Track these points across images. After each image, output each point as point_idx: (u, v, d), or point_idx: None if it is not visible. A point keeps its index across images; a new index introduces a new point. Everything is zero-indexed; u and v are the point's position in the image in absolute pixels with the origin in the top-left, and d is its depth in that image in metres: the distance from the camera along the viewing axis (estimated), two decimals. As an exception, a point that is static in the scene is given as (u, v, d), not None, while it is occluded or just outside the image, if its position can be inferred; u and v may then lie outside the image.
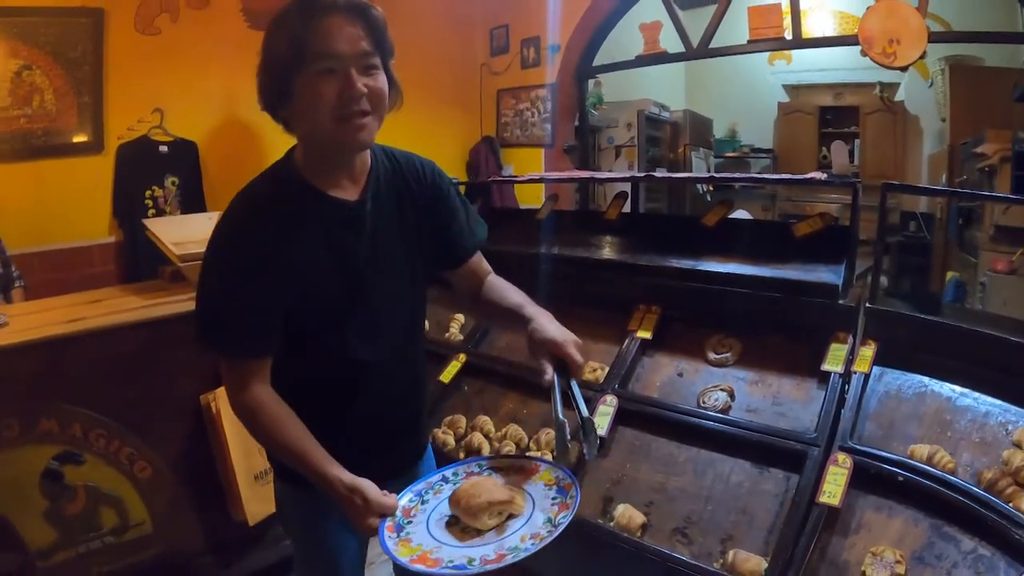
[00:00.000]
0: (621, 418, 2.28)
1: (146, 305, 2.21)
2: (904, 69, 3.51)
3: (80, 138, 3.10)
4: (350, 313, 1.28)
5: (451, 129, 4.96)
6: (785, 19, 3.68)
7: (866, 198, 2.47)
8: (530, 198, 4.65)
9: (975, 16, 4.61)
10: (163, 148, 3.27)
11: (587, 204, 4.99)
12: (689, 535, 1.95)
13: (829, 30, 6.02)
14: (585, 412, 1.17)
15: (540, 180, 4.04)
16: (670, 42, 4.21)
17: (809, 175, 2.65)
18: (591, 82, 5.23)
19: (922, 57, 3.41)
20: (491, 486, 1.17)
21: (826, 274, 2.29)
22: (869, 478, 1.87)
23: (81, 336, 2.00)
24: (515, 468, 1.29)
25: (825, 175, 2.83)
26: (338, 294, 1.26)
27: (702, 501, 2.00)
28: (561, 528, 1.09)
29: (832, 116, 7.11)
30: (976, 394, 2.00)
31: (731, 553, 1.84)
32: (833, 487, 1.85)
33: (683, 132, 7.05)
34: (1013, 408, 1.93)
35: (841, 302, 2.22)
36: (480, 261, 1.50)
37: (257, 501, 2.22)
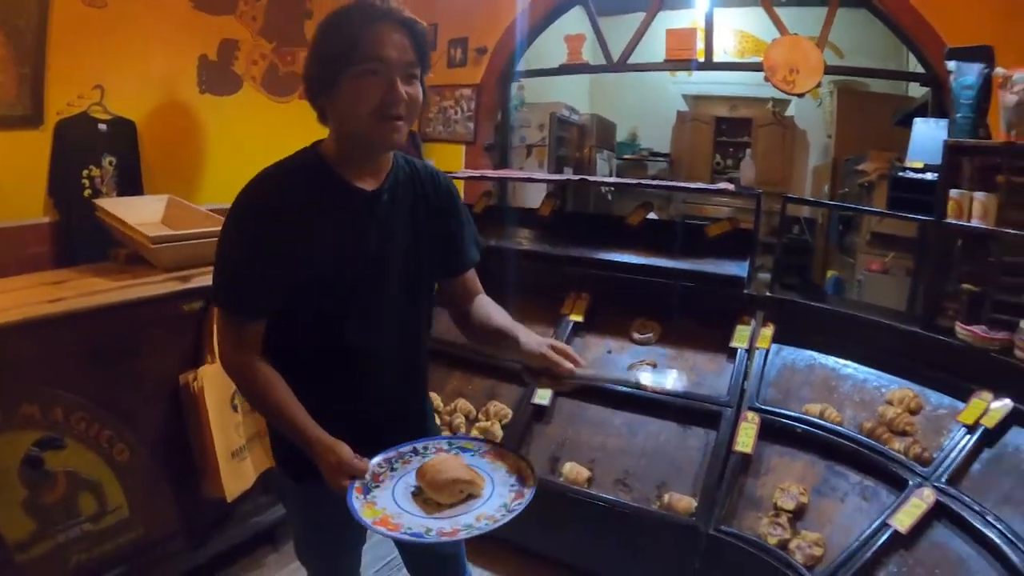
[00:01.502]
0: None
1: (121, 286, 2.23)
2: (801, 95, 4.12)
3: (18, 111, 3.00)
4: (352, 295, 1.37)
5: None
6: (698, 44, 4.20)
7: (752, 202, 3.05)
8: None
9: (867, 44, 5.26)
10: (102, 126, 3.21)
11: (505, 200, 5.28)
12: (629, 484, 2.39)
13: (730, 46, 6.71)
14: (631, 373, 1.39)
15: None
16: (590, 52, 4.66)
17: (721, 186, 3.23)
18: (514, 85, 5.50)
19: (817, 86, 4.04)
20: (457, 465, 1.28)
21: (733, 268, 2.85)
22: (774, 431, 2.42)
23: (64, 317, 2.01)
24: (482, 451, 1.40)
25: (733, 185, 3.39)
26: (344, 275, 1.36)
27: (637, 456, 2.45)
28: (514, 515, 1.21)
29: (727, 126, 7.84)
30: (856, 365, 2.62)
31: (666, 496, 2.30)
32: (745, 439, 2.36)
33: (589, 134, 7.54)
34: (885, 375, 2.55)
35: (746, 291, 2.80)
36: (474, 278, 1.60)
37: (235, 478, 2.32)
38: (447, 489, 1.23)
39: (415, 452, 1.38)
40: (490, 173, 4.47)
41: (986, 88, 2.49)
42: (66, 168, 3.15)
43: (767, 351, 2.70)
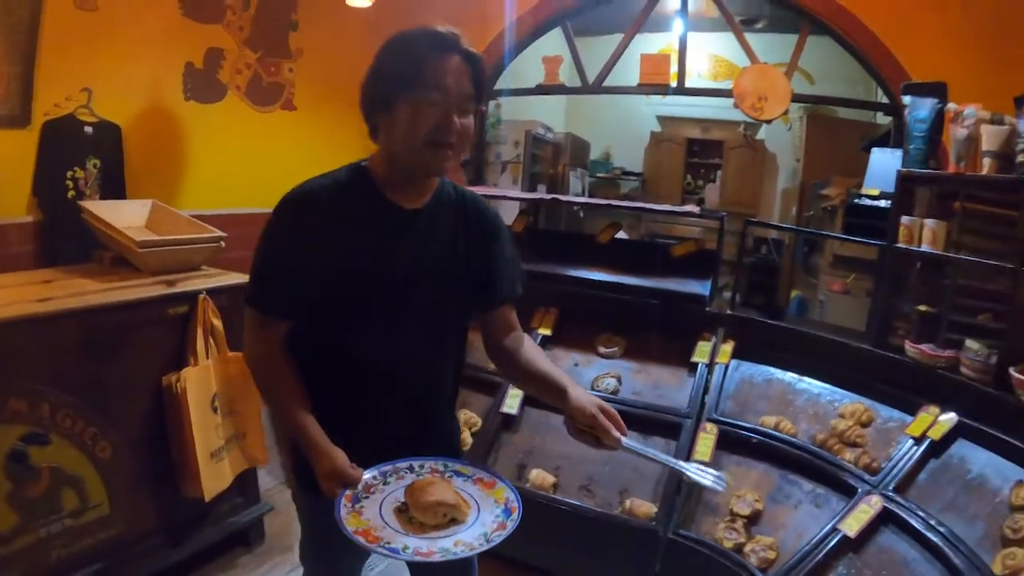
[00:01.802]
0: (528, 401, 2.90)
1: (108, 288, 2.29)
2: (769, 122, 4.33)
3: (7, 110, 3.02)
4: (378, 310, 1.39)
5: (349, 131, 4.84)
6: (672, 66, 4.39)
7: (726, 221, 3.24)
8: None
9: (837, 70, 5.39)
10: (88, 129, 3.24)
11: None
12: (592, 490, 2.52)
13: (704, 69, 6.93)
14: (679, 463, 1.32)
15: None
16: (566, 73, 4.82)
17: (687, 208, 3.44)
18: (492, 103, 5.66)
19: (785, 113, 4.24)
20: (445, 488, 1.29)
21: (697, 287, 3.05)
22: (731, 441, 2.59)
23: (54, 316, 2.06)
24: (475, 477, 1.40)
25: (699, 208, 3.60)
26: (372, 289, 1.37)
27: (600, 464, 2.58)
28: (492, 544, 1.21)
29: (698, 148, 8.07)
30: (811, 380, 2.80)
31: (628, 501, 2.44)
32: (704, 448, 2.52)
33: (564, 152, 7.69)
34: (839, 390, 2.73)
35: (708, 309, 3.00)
36: (512, 313, 1.59)
37: (213, 478, 2.37)
38: (431, 511, 1.24)
39: (410, 469, 1.40)
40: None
41: (938, 122, 2.68)
42: (51, 169, 3.17)
43: (727, 366, 2.89)
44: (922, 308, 2.70)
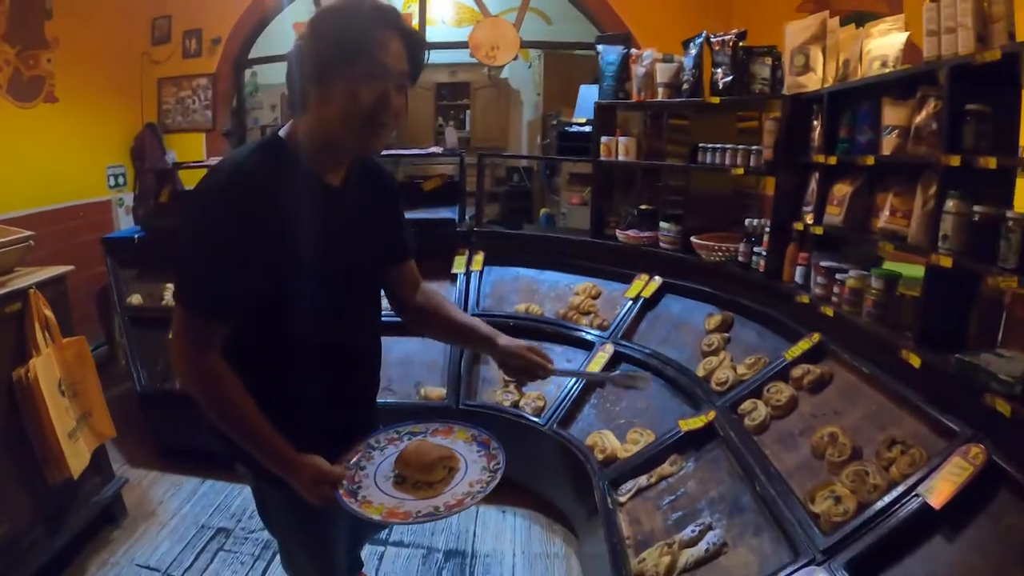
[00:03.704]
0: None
1: None
2: (501, 68, 5.11)
3: None
4: (324, 290, 1.38)
5: (113, 116, 5.14)
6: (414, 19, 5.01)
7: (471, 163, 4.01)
8: (192, 179, 5.24)
9: (572, 11, 5.88)
10: None
11: None
12: (393, 389, 3.14)
13: (448, 15, 7.48)
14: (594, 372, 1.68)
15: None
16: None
17: (431, 149, 4.16)
18: (248, 72, 5.89)
19: (515, 58, 5.04)
20: (432, 446, 1.40)
21: (447, 213, 3.83)
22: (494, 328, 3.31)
23: None
24: (432, 431, 1.51)
25: (442, 149, 4.36)
26: (316, 271, 1.34)
27: (395, 367, 3.19)
28: (500, 471, 1.35)
29: (447, 91, 8.72)
30: (550, 272, 3.63)
31: (423, 389, 3.09)
32: None
33: (318, 111, 8.00)
34: (572, 276, 3.57)
35: (458, 229, 3.78)
36: (415, 267, 1.68)
37: (75, 457, 2.49)
38: (436, 468, 1.34)
39: (371, 447, 1.46)
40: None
41: (625, 63, 3.52)
42: None
43: (481, 272, 3.68)
44: (644, 206, 3.60)
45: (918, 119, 1.99)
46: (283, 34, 5.38)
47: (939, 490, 1.58)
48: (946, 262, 1.79)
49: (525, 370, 1.54)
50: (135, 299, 3.81)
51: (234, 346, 1.32)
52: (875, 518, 1.69)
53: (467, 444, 1.47)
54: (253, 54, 5.57)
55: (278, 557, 2.22)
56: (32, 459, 2.42)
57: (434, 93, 8.66)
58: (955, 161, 1.76)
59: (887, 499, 1.71)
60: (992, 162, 1.64)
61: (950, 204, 1.78)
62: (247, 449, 1.34)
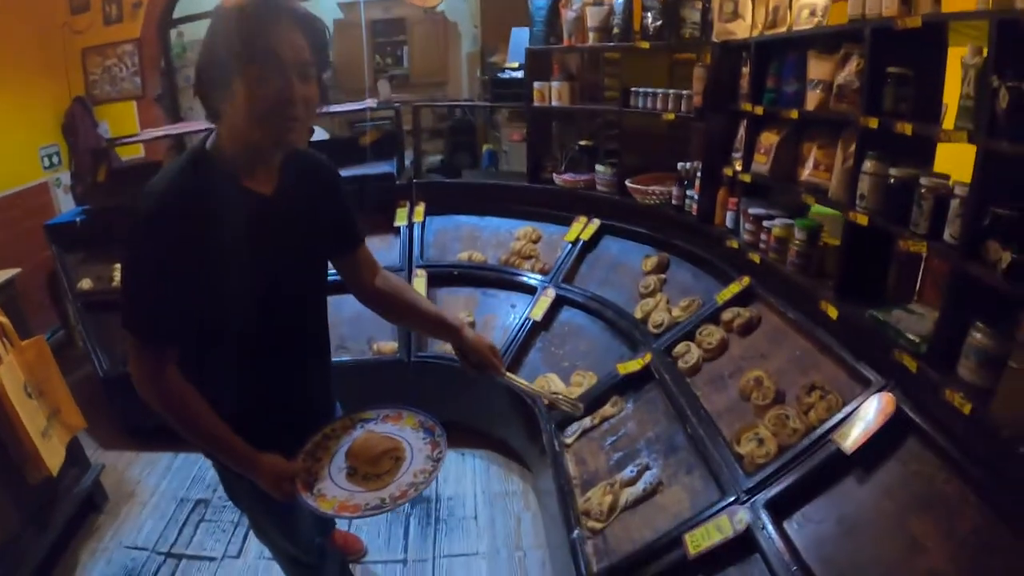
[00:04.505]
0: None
1: None
2: (435, 7, 4.87)
3: None
4: (265, 297, 1.37)
5: (39, 93, 4.82)
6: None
7: (419, 93, 3.90)
8: (128, 151, 5.07)
9: None
10: None
11: (183, 150, 5.40)
12: (347, 347, 3.13)
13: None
14: (537, 390, 1.65)
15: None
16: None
17: (365, 104, 4.01)
18: (174, 32, 5.53)
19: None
20: (379, 439, 1.43)
21: (385, 167, 3.71)
22: (439, 278, 3.34)
23: None
24: (382, 417, 1.55)
25: (376, 102, 4.15)
26: (252, 281, 1.34)
27: (347, 325, 3.16)
28: (440, 462, 1.39)
29: (383, 27, 8.30)
30: (490, 218, 3.60)
31: (375, 345, 3.08)
32: (419, 287, 3.20)
33: (248, 60, 7.63)
34: (512, 221, 3.54)
35: (398, 182, 3.68)
36: (369, 252, 1.66)
37: (52, 454, 2.47)
38: (381, 461, 1.39)
39: (326, 437, 1.50)
40: (159, 131, 4.46)
41: (555, 8, 3.40)
42: None
43: (423, 223, 3.62)
44: (583, 142, 3.57)
45: (841, 77, 1.98)
46: (208, -12, 5.04)
47: (852, 436, 1.66)
48: (863, 220, 1.83)
49: (481, 366, 1.57)
50: (85, 283, 3.64)
51: (187, 356, 1.34)
52: (793, 461, 1.78)
53: (415, 431, 1.51)
54: (177, 13, 5.24)
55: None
56: (10, 463, 2.38)
57: (370, 31, 8.28)
58: (873, 123, 1.77)
59: (805, 443, 1.80)
60: (908, 128, 1.66)
61: (868, 165, 1.81)
62: (211, 453, 1.42)
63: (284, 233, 1.39)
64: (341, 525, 2.64)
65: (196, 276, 1.25)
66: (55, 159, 4.89)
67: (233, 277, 1.29)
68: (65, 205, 4.80)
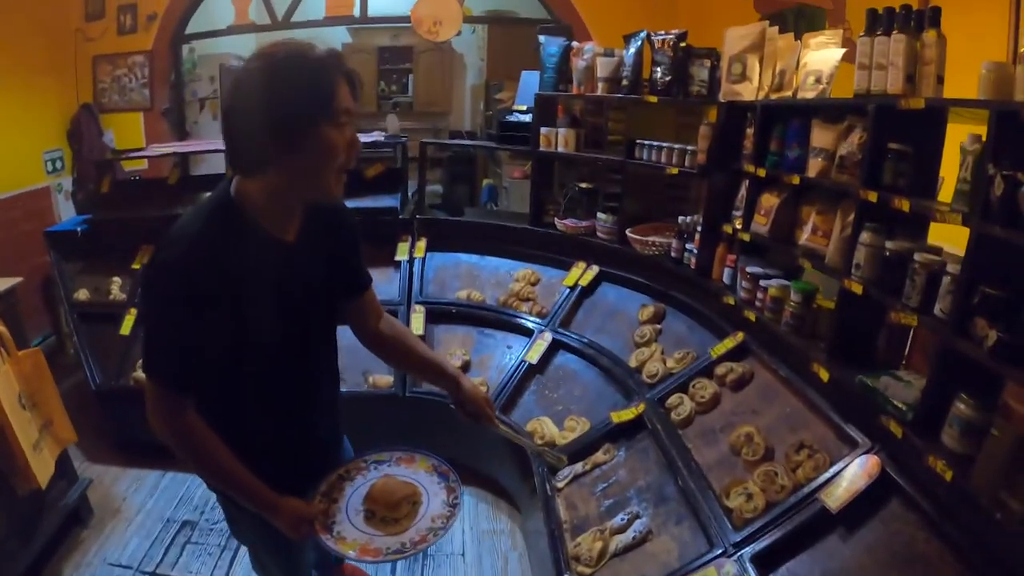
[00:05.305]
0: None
1: None
2: (444, 42, 5.05)
3: None
4: (283, 343, 1.41)
5: (47, 97, 4.89)
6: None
7: (421, 121, 4.04)
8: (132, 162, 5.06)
9: None
10: None
11: (187, 167, 5.44)
12: (344, 378, 3.16)
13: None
14: (525, 441, 1.82)
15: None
16: (255, 11, 5.09)
17: (373, 136, 4.14)
18: (186, 48, 5.63)
19: (458, 33, 4.98)
20: (396, 484, 1.48)
21: (388, 200, 3.84)
22: (436, 314, 3.43)
23: None
24: (395, 459, 1.60)
25: (384, 135, 4.31)
26: (273, 327, 1.37)
27: (342, 356, 3.22)
28: (458, 506, 1.45)
29: (389, 54, 8.57)
30: (489, 257, 3.70)
31: (371, 378, 3.15)
32: (416, 324, 3.30)
33: (261, 79, 7.77)
34: (512, 262, 3.64)
35: (401, 216, 3.81)
36: (375, 297, 1.70)
37: (42, 467, 2.48)
38: (401, 506, 1.44)
39: (341, 478, 1.54)
40: (167, 148, 4.57)
41: (565, 55, 3.55)
42: None
43: (423, 259, 3.73)
44: (584, 184, 3.65)
45: (843, 148, 2.10)
46: (221, 8, 5.20)
47: (837, 495, 1.76)
48: (857, 288, 1.95)
49: (476, 416, 1.64)
50: (82, 294, 3.69)
51: (205, 399, 1.36)
52: (780, 517, 1.86)
53: (428, 474, 1.57)
54: (190, 29, 5.35)
55: (243, 547, 2.30)
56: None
57: (376, 57, 8.50)
58: (873, 197, 1.89)
59: (792, 499, 1.88)
60: (906, 204, 1.77)
61: (865, 236, 1.93)
62: (227, 494, 1.44)
63: (305, 279, 1.43)
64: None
65: (220, 324, 1.27)
66: (58, 164, 4.96)
67: (256, 324, 1.32)
68: (65, 210, 4.87)
